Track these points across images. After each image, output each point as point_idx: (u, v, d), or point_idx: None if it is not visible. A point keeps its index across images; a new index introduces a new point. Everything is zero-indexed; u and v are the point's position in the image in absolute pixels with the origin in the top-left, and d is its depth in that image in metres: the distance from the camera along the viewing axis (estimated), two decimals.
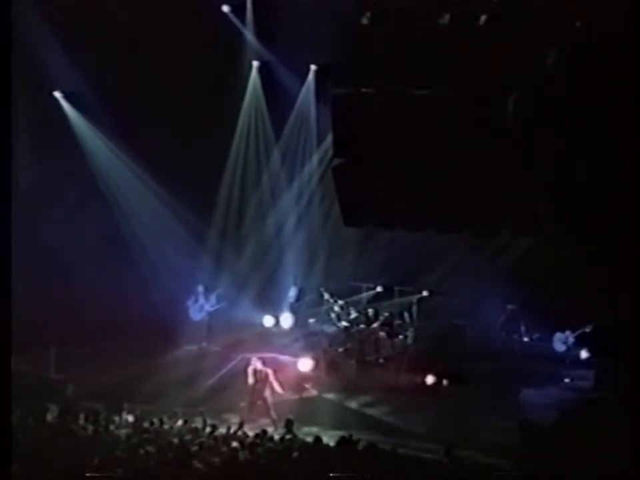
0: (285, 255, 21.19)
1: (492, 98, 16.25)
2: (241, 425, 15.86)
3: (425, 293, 20.18)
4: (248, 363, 17.98)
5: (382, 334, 19.73)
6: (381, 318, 20.21)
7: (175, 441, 14.02)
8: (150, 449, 13.54)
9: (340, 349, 19.89)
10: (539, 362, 18.66)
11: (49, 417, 15.41)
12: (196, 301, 20.59)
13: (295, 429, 15.59)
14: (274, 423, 17.28)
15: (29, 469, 12.11)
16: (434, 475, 13.45)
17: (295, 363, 19.08)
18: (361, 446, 14.50)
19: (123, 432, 14.72)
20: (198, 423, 15.55)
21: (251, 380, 17.58)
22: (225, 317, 20.50)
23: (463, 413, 17.05)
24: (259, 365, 17.68)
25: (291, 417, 16.04)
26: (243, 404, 17.53)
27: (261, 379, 17.65)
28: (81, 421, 15.15)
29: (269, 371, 17.55)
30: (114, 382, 17.64)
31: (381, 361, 19.44)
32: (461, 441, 15.29)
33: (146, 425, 15.31)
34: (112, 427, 15.05)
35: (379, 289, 20.86)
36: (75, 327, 18.95)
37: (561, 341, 18.98)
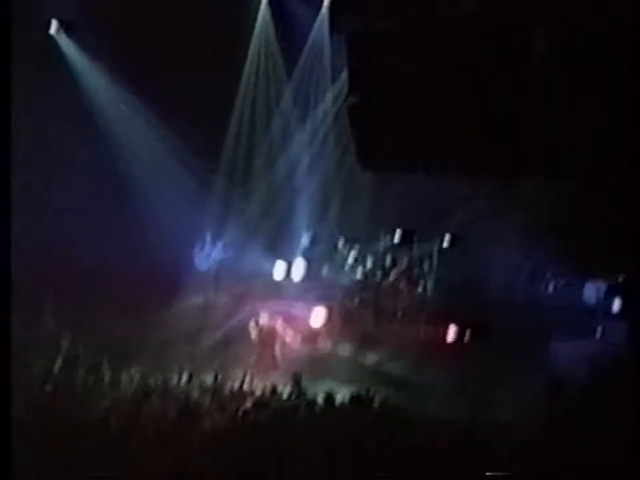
0: (296, 200, 20.52)
1: (519, 34, 16.34)
2: (248, 381, 15.35)
3: (446, 241, 19.81)
4: (257, 313, 17.76)
5: (400, 284, 19.43)
6: (399, 267, 19.79)
7: (181, 397, 13.72)
8: (154, 405, 13.30)
9: (355, 300, 19.51)
10: (567, 314, 18.33)
11: (50, 370, 14.89)
12: (202, 249, 20.04)
13: (304, 386, 15.10)
14: (285, 378, 16.50)
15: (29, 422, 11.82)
16: (455, 434, 13.49)
17: (306, 315, 18.68)
18: (376, 404, 14.22)
19: (125, 388, 14.41)
20: (205, 379, 15.11)
21: (254, 334, 17.38)
22: (233, 266, 20.01)
23: (487, 368, 16.64)
24: (264, 318, 17.37)
25: (298, 371, 15.55)
26: (251, 358, 17.13)
27: (268, 332, 17.44)
28: (81, 374, 14.68)
29: (278, 324, 17.37)
30: (116, 336, 17.18)
31: (399, 312, 19.06)
32: (484, 398, 15.04)
33: (150, 380, 14.83)
34: (114, 382, 14.61)
35: (397, 236, 20.32)
36: (74, 278, 18.39)
37: (591, 292, 18.63)
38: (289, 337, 17.45)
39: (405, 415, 13.97)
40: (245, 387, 15.13)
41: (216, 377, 15.31)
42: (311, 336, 18.41)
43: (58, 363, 15.26)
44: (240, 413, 13.21)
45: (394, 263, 19.91)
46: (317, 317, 18.55)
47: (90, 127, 19.59)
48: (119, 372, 15.08)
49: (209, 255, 20.00)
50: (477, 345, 17.70)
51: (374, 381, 16.22)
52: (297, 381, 15.18)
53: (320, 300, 19.21)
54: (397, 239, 20.18)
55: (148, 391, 14.18)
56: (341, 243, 20.50)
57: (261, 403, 13.73)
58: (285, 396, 14.57)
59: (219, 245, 20.02)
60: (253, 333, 17.24)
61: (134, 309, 18.10)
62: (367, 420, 13.12)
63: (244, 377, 15.51)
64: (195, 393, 14.23)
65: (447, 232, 19.65)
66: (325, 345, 18.58)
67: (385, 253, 20.27)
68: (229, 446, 11.36)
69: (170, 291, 19.02)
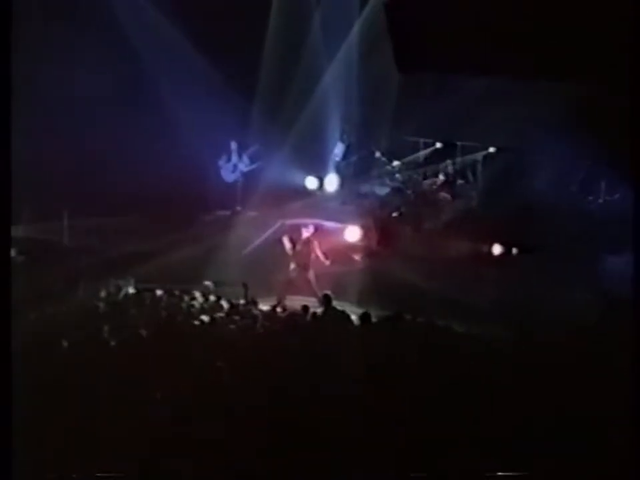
0: (329, 106, 19.40)
1: None
2: (279, 302, 15.21)
3: (491, 150, 18.87)
4: (288, 230, 16.91)
5: (442, 196, 18.77)
6: (441, 178, 19.12)
7: (205, 318, 13.34)
8: (177, 326, 13.11)
9: (394, 214, 18.61)
10: (620, 226, 16.85)
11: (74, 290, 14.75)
12: (228, 160, 19.30)
13: (337, 305, 14.69)
14: (317, 298, 15.93)
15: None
16: (500, 355, 13.08)
17: (341, 231, 17.79)
18: (414, 324, 13.76)
19: (151, 308, 14.16)
20: (231, 298, 14.73)
21: (288, 249, 16.44)
22: (262, 178, 19.15)
23: (534, 285, 15.79)
24: (303, 233, 16.43)
25: (328, 292, 15.04)
26: (282, 277, 16.53)
27: (302, 248, 16.45)
28: (102, 294, 14.50)
29: (312, 240, 16.35)
30: (137, 254, 16.45)
31: (441, 227, 18.20)
32: (531, 317, 14.20)
33: (174, 300, 14.56)
34: (139, 301, 14.36)
35: (438, 145, 19.41)
36: (91, 194, 17.66)
37: None
38: (323, 253, 16.85)
39: (447, 334, 13.36)
40: (277, 306, 14.77)
41: (246, 295, 14.98)
42: (346, 253, 17.61)
43: (81, 285, 15.08)
44: (270, 331, 12.83)
45: (435, 174, 19.18)
46: (352, 232, 17.68)
47: (110, 26, 18.73)
48: (142, 292, 14.82)
49: (235, 166, 19.21)
50: (522, 261, 16.82)
51: (414, 301, 15.39)
52: (327, 301, 14.68)
53: (355, 215, 18.34)
54: (437, 148, 19.39)
55: (175, 309, 13.94)
56: (378, 153, 19.60)
57: (294, 322, 13.39)
58: (317, 314, 14.02)
59: (246, 155, 19.16)
60: (288, 247, 16.51)
61: (157, 226, 17.53)
62: (406, 339, 12.64)
63: (278, 296, 15.37)
64: (223, 312, 13.88)
65: (493, 139, 18.75)
66: (361, 261, 18.15)
67: (425, 165, 19.53)
68: (255, 363, 11.11)
69: (195, 203, 18.46)
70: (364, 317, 13.57)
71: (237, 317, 13.85)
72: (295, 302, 15.51)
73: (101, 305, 14.12)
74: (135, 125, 18.14)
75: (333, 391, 10.48)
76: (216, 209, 18.91)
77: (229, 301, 14.66)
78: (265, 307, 14.90)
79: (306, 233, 16.56)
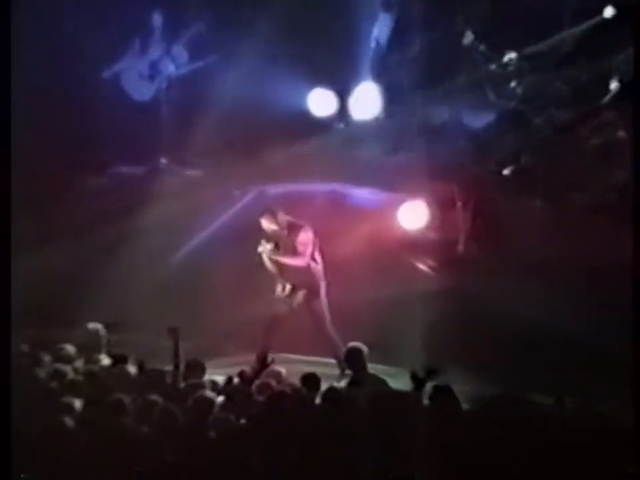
0: None
1: None
2: (257, 370, 7.17)
3: None
4: (270, 209, 8.07)
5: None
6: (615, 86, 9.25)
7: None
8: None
9: (504, 171, 8.88)
10: None
11: None
12: (142, 51, 9.91)
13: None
14: (337, 357, 8.16)
15: None
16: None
17: (385, 209, 9.12)
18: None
19: None
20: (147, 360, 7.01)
21: (268, 250, 7.97)
22: (215, 95, 9.76)
23: None
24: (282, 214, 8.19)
25: (359, 345, 7.30)
26: (261, 312, 8.40)
27: (301, 250, 7.90)
28: None
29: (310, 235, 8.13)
30: None
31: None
32: None
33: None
34: None
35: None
36: None
37: None
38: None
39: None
40: (254, 377, 6.92)
41: (176, 354, 6.75)
42: (396, 255, 9.17)
43: None
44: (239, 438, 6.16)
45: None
46: (411, 212, 8.88)
47: None
48: None
49: (156, 65, 9.70)
50: None
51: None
52: (357, 364, 7.25)
53: (416, 176, 8.83)
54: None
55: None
56: (468, 36, 9.10)
57: (288, 414, 6.20)
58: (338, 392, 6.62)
59: (180, 45, 9.76)
60: (267, 250, 8.33)
61: None
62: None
63: (259, 355, 7.88)
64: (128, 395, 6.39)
65: None
66: (429, 273, 9.47)
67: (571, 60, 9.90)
68: None
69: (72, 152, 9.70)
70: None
71: (160, 402, 6.35)
72: (288, 366, 7.53)
73: None
74: None
75: None
76: (116, 163, 9.79)
77: (139, 366, 7.04)
78: (226, 378, 7.14)
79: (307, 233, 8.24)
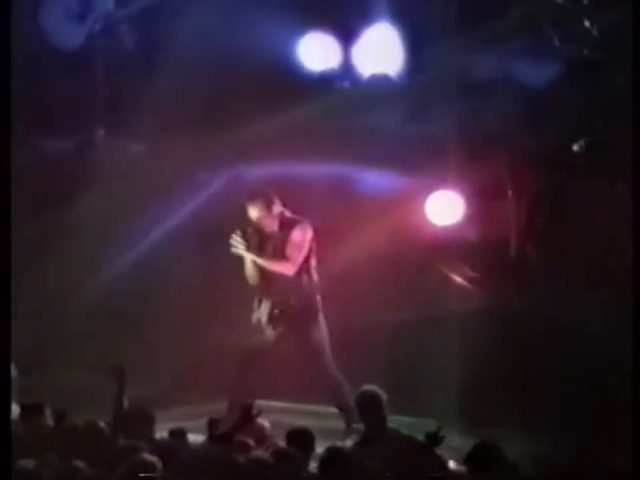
0: None
1: None
2: (238, 424, 5.34)
3: None
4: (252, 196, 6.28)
5: None
6: None
7: None
8: None
9: (574, 146, 7.50)
10: None
11: None
12: None
13: None
14: (342, 407, 6.39)
15: None
16: None
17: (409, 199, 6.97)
18: None
19: None
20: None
21: (242, 249, 6.07)
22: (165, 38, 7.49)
23: None
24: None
25: (374, 388, 5.63)
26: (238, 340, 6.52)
27: (290, 253, 6.19)
28: None
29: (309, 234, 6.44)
30: None
31: None
32: None
33: None
34: None
35: None
36: None
37: None
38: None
39: None
40: (231, 434, 5.28)
41: (120, 405, 5.45)
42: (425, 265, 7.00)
43: None
44: None
45: None
46: (445, 200, 6.89)
47: None
48: None
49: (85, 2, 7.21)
50: None
51: None
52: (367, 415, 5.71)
53: (447, 145, 6.78)
54: None
55: None
56: None
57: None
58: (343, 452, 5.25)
59: None
60: (241, 248, 6.00)
61: None
62: None
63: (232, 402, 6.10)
64: None
65: None
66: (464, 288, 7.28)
67: None
68: None
69: None
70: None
71: (85, 470, 4.86)
72: (272, 417, 5.79)
73: None
74: None
75: None
76: (36, 134, 7.31)
77: (58, 418, 5.56)
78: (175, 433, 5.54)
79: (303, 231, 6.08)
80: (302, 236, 6.34)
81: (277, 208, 6.34)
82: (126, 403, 6.01)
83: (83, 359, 6.79)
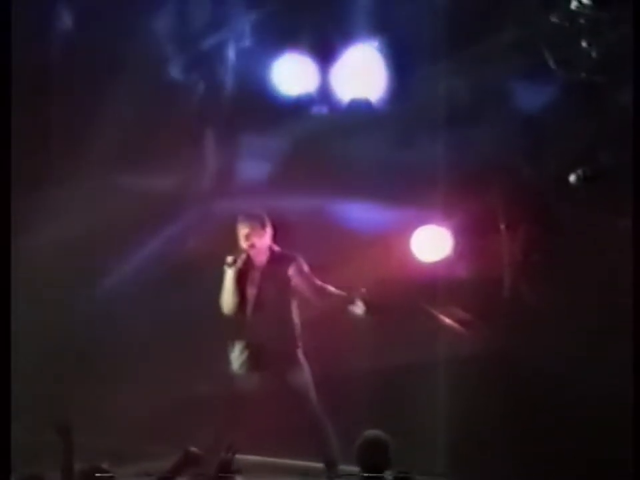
0: None
1: None
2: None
3: None
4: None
5: None
6: None
7: None
8: None
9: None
10: None
11: None
12: None
13: None
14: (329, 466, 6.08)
15: None
16: None
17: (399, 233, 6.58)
18: None
19: None
20: None
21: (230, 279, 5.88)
22: None
23: None
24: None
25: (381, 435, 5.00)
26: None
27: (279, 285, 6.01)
28: None
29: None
30: None
31: None
32: None
33: None
34: None
35: None
36: None
37: None
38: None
39: None
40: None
41: (67, 458, 4.80)
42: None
43: None
44: None
45: None
46: (434, 234, 6.40)
47: None
48: None
49: None
50: None
51: None
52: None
53: (435, 174, 6.53)
54: None
55: None
56: None
57: None
58: None
59: None
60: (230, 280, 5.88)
61: None
62: None
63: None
64: None
65: None
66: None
67: None
68: None
69: None
70: None
71: None
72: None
73: None
74: None
75: None
76: None
77: None
78: None
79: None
80: (305, 267, 6.09)
81: (269, 234, 6.09)
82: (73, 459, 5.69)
83: (34, 408, 6.49)
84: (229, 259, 5.93)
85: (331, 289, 6.19)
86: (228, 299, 5.95)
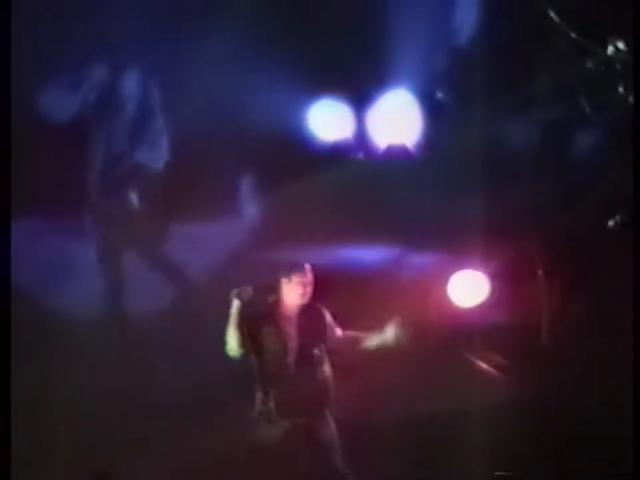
0: None
1: None
2: None
3: None
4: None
5: None
6: None
7: None
8: None
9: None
10: None
11: None
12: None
13: None
14: None
15: None
16: None
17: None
18: None
19: None
20: None
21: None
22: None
23: None
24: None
25: None
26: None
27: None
28: None
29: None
30: None
31: None
32: None
33: None
34: None
35: None
36: None
37: None
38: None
39: None
40: None
41: None
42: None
43: None
44: None
45: None
46: (470, 281, 6.52)
47: None
48: None
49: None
50: None
51: None
52: None
53: (471, 222, 6.54)
54: None
55: None
56: None
57: None
58: None
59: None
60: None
61: None
62: None
63: None
64: None
65: None
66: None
67: None
68: None
69: None
70: None
71: None
72: None
73: None
74: None
75: None
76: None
77: None
78: None
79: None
80: (329, 317, 6.06)
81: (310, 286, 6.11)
82: None
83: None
84: (235, 290, 5.84)
85: (358, 333, 6.44)
86: (235, 341, 5.84)
